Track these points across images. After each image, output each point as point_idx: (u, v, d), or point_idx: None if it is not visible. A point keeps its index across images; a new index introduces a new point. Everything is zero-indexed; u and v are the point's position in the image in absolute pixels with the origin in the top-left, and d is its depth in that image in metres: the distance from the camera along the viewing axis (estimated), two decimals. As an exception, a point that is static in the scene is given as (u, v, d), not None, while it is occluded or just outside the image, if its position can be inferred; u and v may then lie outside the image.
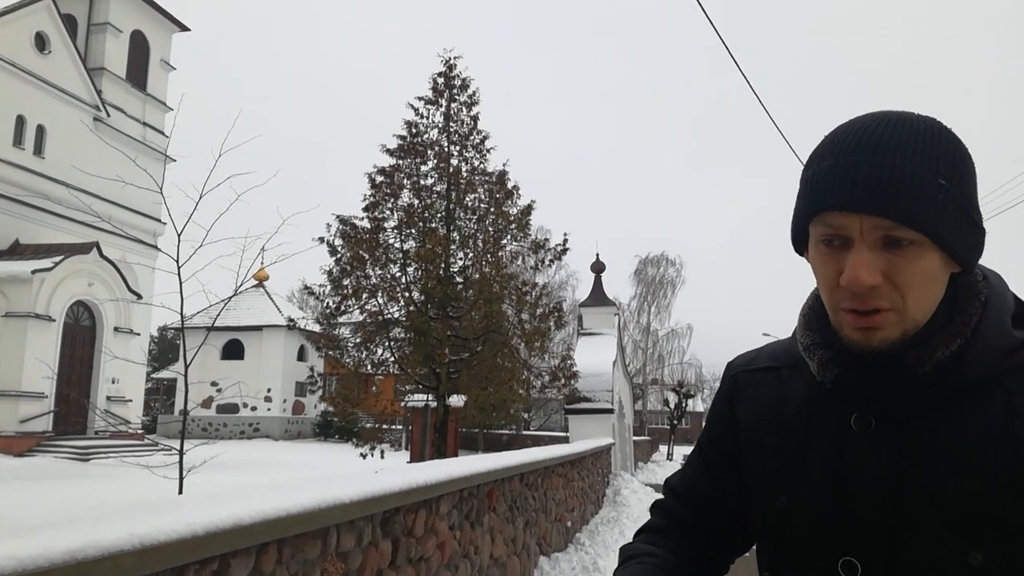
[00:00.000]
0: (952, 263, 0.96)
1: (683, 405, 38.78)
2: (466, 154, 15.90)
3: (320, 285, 15.34)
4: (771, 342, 1.27)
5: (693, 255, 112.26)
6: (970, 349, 0.96)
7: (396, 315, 15.39)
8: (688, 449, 49.62)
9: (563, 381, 16.59)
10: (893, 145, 0.92)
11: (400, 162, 15.51)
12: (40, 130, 24.95)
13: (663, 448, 39.97)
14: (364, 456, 17.82)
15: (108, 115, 27.26)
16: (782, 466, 1.10)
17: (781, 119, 11.87)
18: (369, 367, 16.27)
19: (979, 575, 0.91)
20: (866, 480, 0.99)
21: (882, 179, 0.91)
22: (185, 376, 6.85)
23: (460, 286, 15.53)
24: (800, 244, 1.06)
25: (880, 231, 0.92)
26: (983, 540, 0.91)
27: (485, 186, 15.71)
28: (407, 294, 15.12)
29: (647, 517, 1.38)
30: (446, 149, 15.73)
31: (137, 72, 29.62)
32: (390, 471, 4.16)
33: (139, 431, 26.67)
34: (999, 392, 0.95)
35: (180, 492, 6.86)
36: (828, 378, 1.04)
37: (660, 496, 1.37)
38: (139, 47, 29.82)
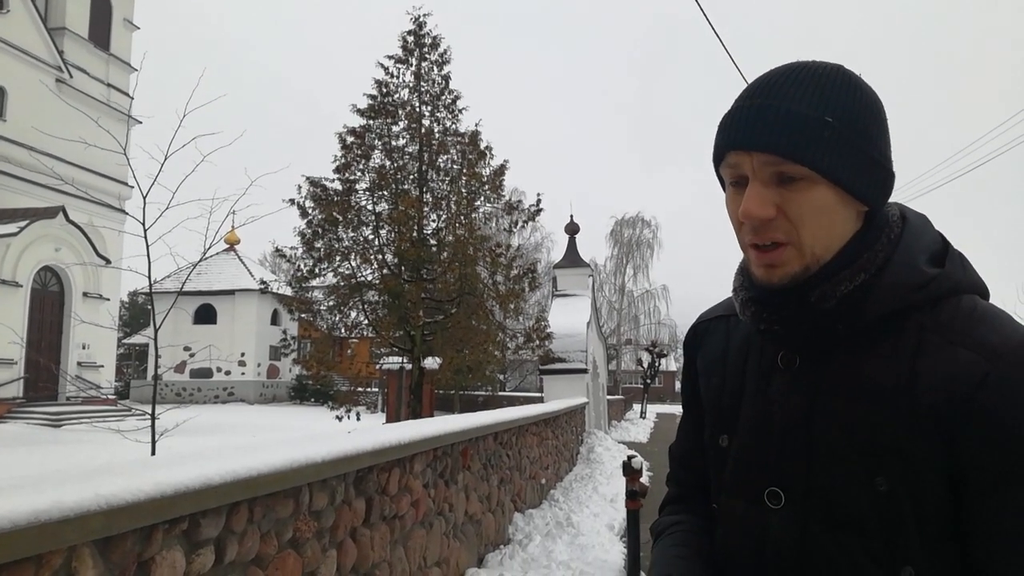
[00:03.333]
0: (853, 200, 1.01)
1: (656, 364, 39.18)
2: (438, 114, 15.72)
3: (292, 248, 15.20)
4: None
5: (669, 217, 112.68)
6: (875, 285, 1.01)
7: (369, 278, 15.30)
8: (661, 407, 50.29)
9: (537, 342, 16.67)
10: (784, 89, 0.99)
11: (371, 122, 15.30)
12: (1, 92, 24.29)
13: (636, 407, 40.40)
14: (340, 419, 17.83)
15: (71, 76, 26.57)
16: (723, 406, 1.17)
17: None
18: (343, 330, 16.23)
19: (885, 500, 0.95)
20: (785, 413, 1.05)
21: (767, 118, 0.98)
22: (155, 340, 6.78)
23: (434, 248, 15.46)
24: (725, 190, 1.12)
25: (770, 167, 0.98)
26: (888, 467, 0.95)
27: (457, 147, 15.57)
28: (380, 257, 15.03)
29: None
30: (417, 109, 15.54)
31: (100, 32, 28.83)
32: (363, 431, 4.17)
33: (111, 396, 26.48)
34: (911, 327, 0.99)
35: (153, 455, 6.83)
36: (747, 316, 1.10)
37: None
38: (101, 6, 28.98)
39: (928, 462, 0.93)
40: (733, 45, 11.33)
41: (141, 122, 28.35)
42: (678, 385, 77.13)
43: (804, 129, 0.96)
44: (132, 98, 28.40)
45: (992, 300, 1.05)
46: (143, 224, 6.84)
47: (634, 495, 5.63)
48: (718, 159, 1.06)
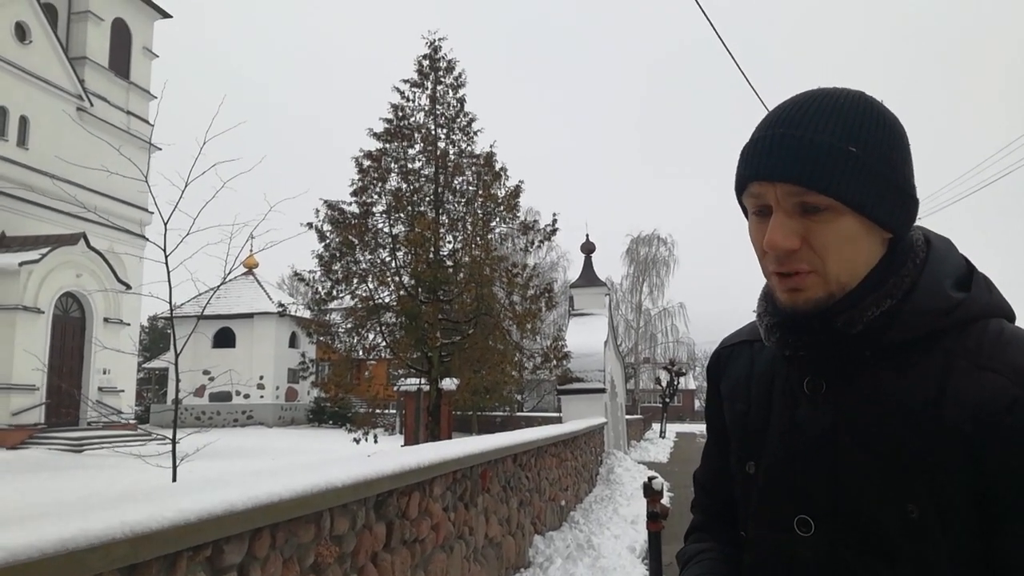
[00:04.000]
0: (877, 228, 1.01)
1: (675, 383, 38.99)
2: (453, 136, 15.83)
3: (310, 271, 15.30)
4: (754, 320, 1.31)
5: (686, 233, 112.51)
6: (901, 310, 1.01)
7: (387, 300, 15.36)
8: (680, 426, 49.93)
9: (555, 362, 16.64)
10: (807, 118, 0.99)
11: (387, 146, 15.43)
12: (23, 121, 24.70)
13: (656, 426, 40.15)
14: (358, 441, 17.87)
15: (91, 104, 27.00)
16: (749, 433, 1.16)
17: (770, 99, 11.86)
18: (361, 352, 16.26)
19: (916, 526, 0.95)
20: (812, 439, 1.05)
21: (791, 148, 0.98)
22: (176, 365, 6.83)
23: (450, 269, 15.50)
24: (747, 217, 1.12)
25: (794, 197, 0.98)
26: (917, 493, 0.95)
27: (473, 168, 15.65)
28: (397, 278, 15.09)
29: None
30: (433, 132, 15.65)
31: (119, 60, 29.31)
32: (383, 455, 4.18)
33: (132, 421, 26.63)
34: (938, 351, 0.99)
35: (174, 481, 6.86)
36: (772, 341, 1.10)
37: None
38: (121, 35, 29.48)
39: (957, 487, 0.93)
40: (745, 61, 11.35)
41: (161, 149, 28.70)
42: (697, 404, 76.66)
43: (828, 159, 0.96)
44: (152, 125, 28.79)
45: (1019, 323, 1.05)
46: (164, 250, 6.91)
47: (655, 517, 5.58)
48: (740, 188, 1.06)
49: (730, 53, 10.08)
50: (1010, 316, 1.04)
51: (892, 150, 1.00)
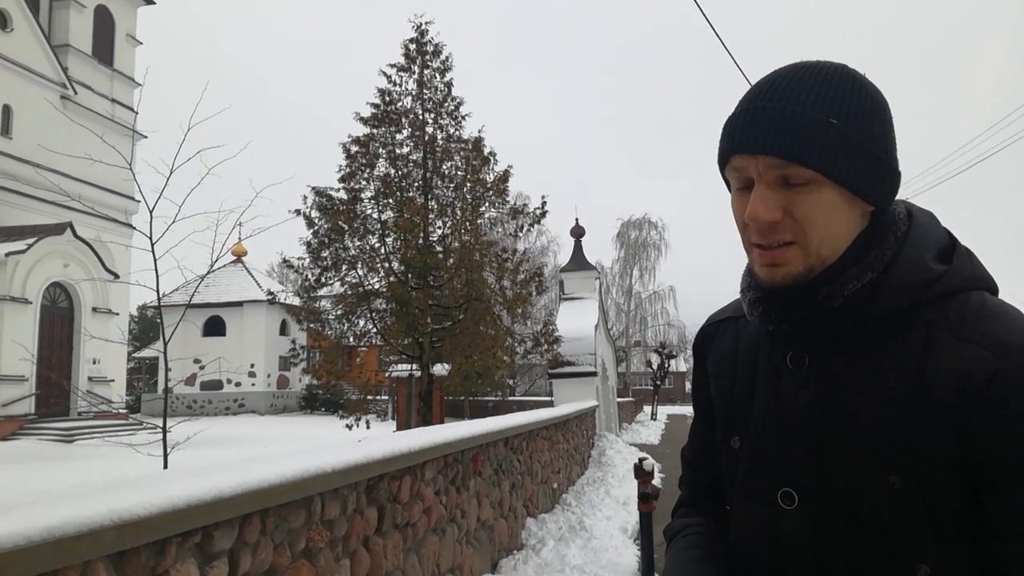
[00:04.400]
0: (859, 200, 1.01)
1: (665, 366, 39.14)
2: (441, 121, 15.75)
3: (299, 258, 15.23)
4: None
5: (676, 217, 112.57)
6: (884, 282, 1.01)
7: (376, 286, 15.32)
8: (671, 408, 50.19)
9: (546, 346, 16.66)
10: (788, 91, 0.99)
11: (375, 131, 15.33)
12: (6, 110, 24.45)
13: (647, 408, 40.34)
14: (350, 427, 17.84)
15: (75, 92, 26.73)
16: (734, 408, 1.17)
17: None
18: (351, 339, 16.24)
19: (899, 498, 0.95)
20: (795, 413, 1.05)
21: (771, 120, 0.97)
22: (164, 354, 6.80)
23: (440, 255, 15.47)
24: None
25: (775, 170, 0.98)
26: (900, 465, 0.95)
27: (461, 153, 15.58)
28: (387, 264, 15.05)
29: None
30: (420, 117, 15.56)
31: (103, 48, 29.00)
32: (373, 439, 4.18)
33: (122, 411, 26.57)
34: (920, 323, 0.99)
35: (165, 469, 6.86)
36: (754, 316, 1.10)
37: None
38: (104, 22, 29.16)
39: (940, 458, 0.94)
40: (733, 43, 11.35)
41: (146, 136, 28.53)
42: (688, 386, 77.05)
43: (808, 131, 0.96)
44: (137, 113, 28.56)
45: (1001, 295, 1.05)
46: (150, 238, 6.86)
47: (646, 497, 5.62)
48: (723, 162, 1.06)
49: (719, 38, 10.04)
50: (992, 288, 1.04)
51: (874, 123, 1.00)
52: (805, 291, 1.02)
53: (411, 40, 15.72)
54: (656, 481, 6.62)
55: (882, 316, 1.00)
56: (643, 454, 6.47)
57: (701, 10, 9.20)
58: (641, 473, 5.69)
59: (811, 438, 1.03)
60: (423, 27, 15.72)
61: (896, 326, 1.00)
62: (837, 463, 1.00)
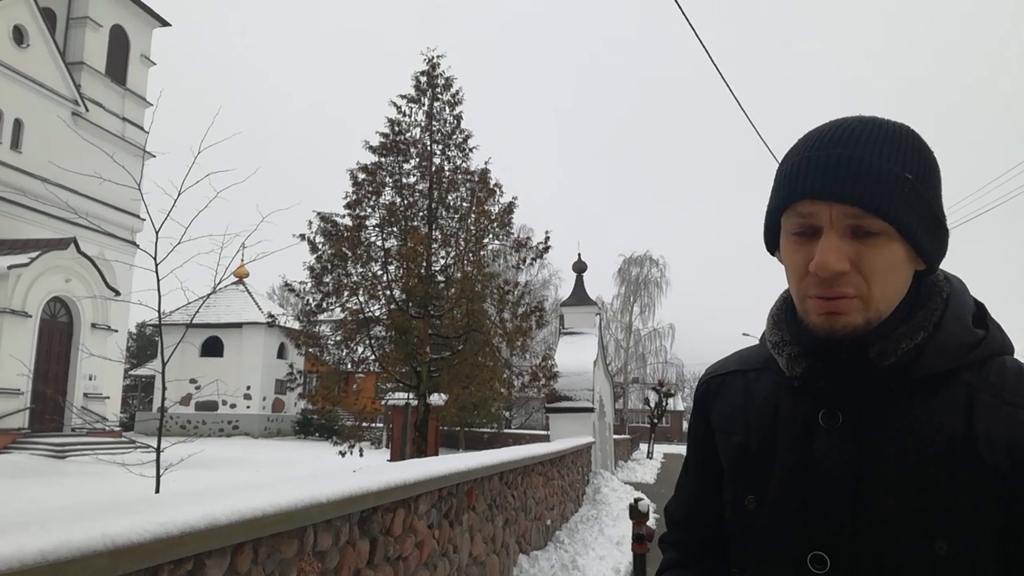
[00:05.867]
0: (916, 259, 1.01)
1: (663, 404, 38.93)
2: (448, 153, 15.90)
3: (301, 282, 15.29)
4: (742, 348, 1.30)
5: (677, 257, 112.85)
6: (932, 343, 1.00)
7: (377, 313, 15.34)
8: (668, 447, 49.64)
9: (544, 381, 16.61)
10: (863, 140, 0.97)
11: (383, 160, 15.47)
12: (18, 124, 24.64)
13: (643, 446, 40.08)
14: (343, 454, 17.76)
15: (87, 110, 26.96)
16: (748, 465, 1.13)
17: (765, 129, 11.95)
18: (349, 365, 16.23)
19: (945, 564, 0.93)
20: (832, 473, 1.02)
21: (851, 169, 0.95)
22: (162, 374, 6.79)
23: (442, 285, 15.52)
24: (771, 242, 1.10)
25: (849, 219, 0.96)
26: (947, 529, 0.93)
27: (467, 185, 15.70)
28: (388, 292, 15.08)
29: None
30: (428, 147, 15.71)
31: (116, 67, 29.30)
32: (368, 470, 4.16)
33: (116, 428, 26.41)
34: (960, 386, 0.99)
35: (157, 491, 6.81)
36: (797, 372, 1.07)
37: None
38: (119, 41, 29.49)
39: (988, 524, 0.93)
40: (736, 83, 11.45)
41: (155, 156, 28.69)
42: (686, 425, 76.55)
43: (887, 184, 0.95)
44: (147, 132, 28.67)
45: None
46: (155, 258, 6.89)
47: (641, 539, 5.57)
48: (784, 206, 1.03)
49: (726, 83, 10.16)
50: (1013, 353, 1.05)
51: (937, 184, 1.01)
52: (858, 347, 1.01)
53: (422, 72, 15.91)
54: (651, 522, 6.57)
55: (926, 376, 1.00)
56: (639, 494, 6.44)
57: (710, 57, 9.31)
58: (636, 514, 5.65)
59: (846, 499, 1.00)
60: (435, 61, 15.92)
61: (937, 387, 1.00)
62: (876, 526, 0.98)
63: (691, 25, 8.89)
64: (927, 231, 0.98)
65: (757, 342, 1.24)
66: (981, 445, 0.94)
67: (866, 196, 0.94)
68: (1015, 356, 1.04)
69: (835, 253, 0.96)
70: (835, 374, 1.03)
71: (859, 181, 0.95)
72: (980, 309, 1.07)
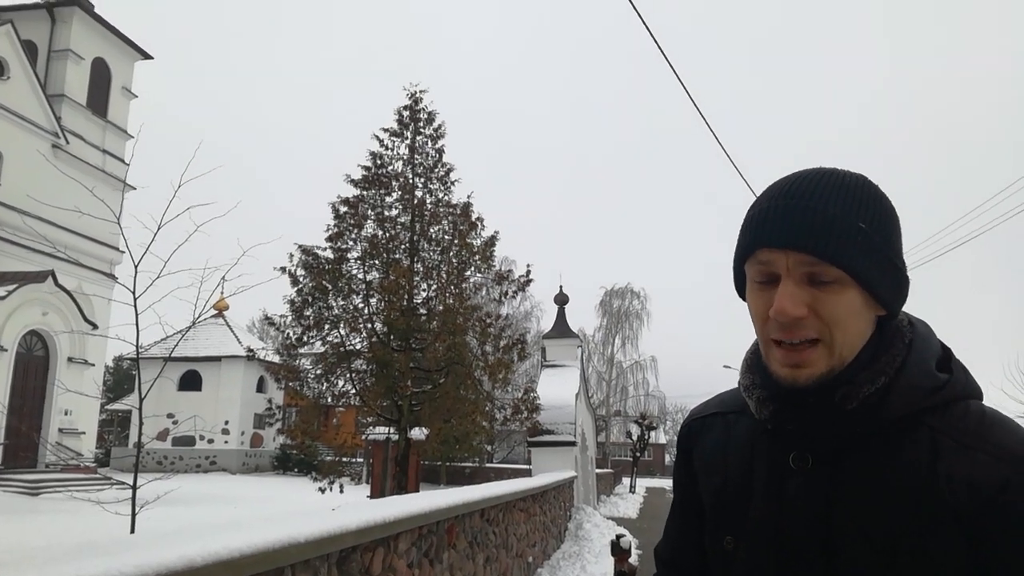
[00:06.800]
0: (876, 304, 1.04)
1: (646, 437, 38.81)
2: (431, 186, 15.94)
3: (281, 315, 15.18)
4: (724, 391, 1.32)
5: (659, 290, 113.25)
6: (894, 387, 1.03)
7: (358, 346, 15.25)
8: (650, 481, 49.39)
9: (526, 414, 16.53)
10: (818, 191, 1.01)
11: (365, 193, 15.48)
12: (-4, 157, 24.51)
13: (626, 480, 39.91)
14: (323, 490, 17.52)
15: (67, 142, 26.86)
16: (727, 507, 1.15)
17: (747, 167, 12.11)
18: (330, 399, 16.09)
19: None
20: (801, 517, 1.04)
21: (805, 219, 0.99)
22: (140, 411, 6.71)
23: (423, 318, 15.46)
24: (740, 288, 1.13)
25: (804, 267, 1.00)
26: (912, 571, 0.95)
27: (449, 218, 15.73)
28: (369, 325, 15.01)
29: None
30: (411, 181, 15.75)
31: (98, 99, 29.27)
32: (348, 508, 4.11)
33: (91, 465, 25.96)
34: (924, 430, 1.01)
35: (132, 530, 6.69)
36: (764, 415, 1.10)
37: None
38: (100, 74, 29.49)
39: (952, 566, 0.94)
40: (708, 109, 11.63)
41: (135, 188, 28.59)
42: (668, 458, 76.33)
43: (840, 233, 0.99)
44: (128, 165, 28.68)
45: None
46: (133, 292, 6.85)
47: None
48: (745, 255, 1.07)
49: (700, 112, 10.32)
50: (981, 398, 1.08)
51: (892, 231, 1.04)
52: (822, 392, 1.03)
53: (404, 107, 16.01)
54: (633, 559, 6.52)
55: (889, 420, 1.02)
56: (621, 530, 6.41)
57: (689, 95, 9.46)
58: (619, 550, 5.61)
59: (817, 541, 1.02)
60: (417, 95, 16.04)
61: (901, 431, 1.02)
62: (844, 568, 1.00)
63: (678, 77, 9.05)
64: (883, 277, 1.02)
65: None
66: (944, 488, 0.96)
67: (820, 245, 0.98)
68: (980, 400, 1.07)
69: (791, 299, 1.00)
70: (800, 418, 1.06)
71: (812, 230, 0.99)
72: (946, 353, 1.09)
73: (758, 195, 1.10)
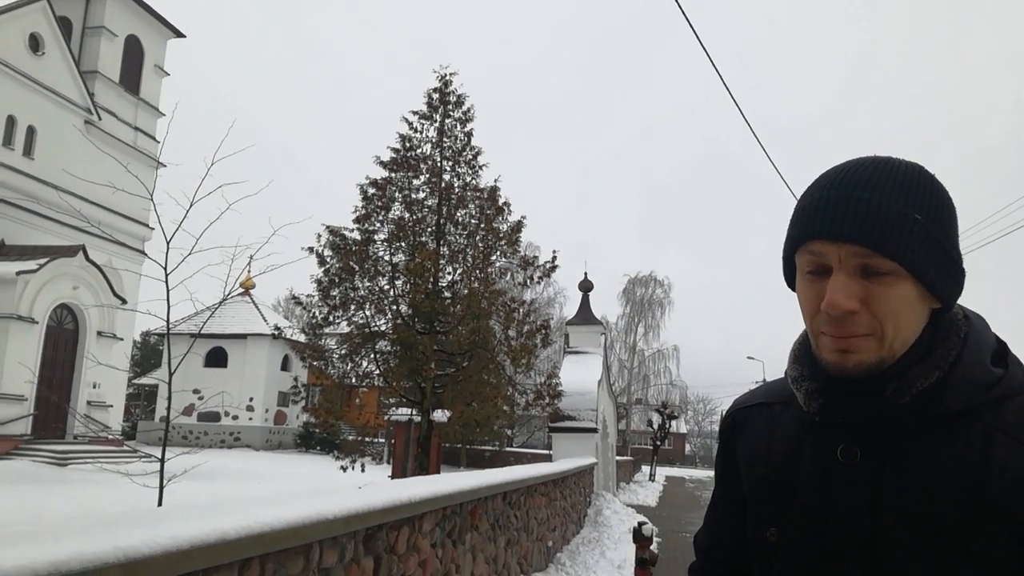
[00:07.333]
0: (930, 297, 1.01)
1: (666, 426, 38.77)
2: (459, 169, 15.92)
3: (308, 295, 15.28)
4: (768, 381, 1.31)
5: (682, 279, 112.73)
6: (948, 382, 1.01)
7: (383, 328, 15.33)
8: (670, 470, 49.32)
9: (547, 399, 16.55)
10: (872, 182, 0.99)
11: (393, 175, 15.51)
12: (31, 131, 24.83)
13: (645, 468, 39.89)
14: (344, 469, 17.70)
15: (100, 118, 27.16)
16: (772, 498, 1.14)
17: (781, 161, 11.98)
18: (353, 379, 16.20)
19: None
20: (848, 509, 1.03)
21: (859, 210, 0.97)
22: (169, 385, 6.80)
23: (448, 301, 15.50)
24: (790, 278, 1.11)
25: (857, 259, 0.98)
26: (959, 566, 0.94)
27: (476, 202, 15.72)
28: (395, 307, 15.09)
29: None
30: (439, 164, 15.75)
31: (130, 76, 29.55)
32: (374, 487, 4.15)
33: (119, 437, 26.40)
34: (978, 425, 0.99)
35: (160, 502, 6.80)
36: (813, 408, 1.08)
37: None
38: (133, 52, 29.76)
39: (1000, 562, 0.94)
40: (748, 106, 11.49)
41: (166, 166, 28.84)
42: (688, 448, 76.15)
43: (895, 224, 0.97)
44: (160, 143, 28.92)
45: None
46: (165, 268, 6.92)
47: (644, 563, 5.54)
48: (796, 246, 1.05)
49: (743, 114, 10.20)
50: None
51: (950, 223, 1.02)
52: (873, 385, 1.02)
53: (435, 90, 15.99)
54: (654, 547, 6.53)
55: (942, 416, 1.01)
56: (642, 517, 6.41)
57: (725, 84, 9.36)
58: (640, 538, 5.62)
59: (863, 534, 1.02)
60: (447, 78, 16.01)
61: (954, 427, 1.00)
62: (890, 561, 0.99)
63: (713, 64, 8.95)
64: (939, 270, 0.99)
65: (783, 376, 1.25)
66: (996, 485, 0.95)
67: (873, 236, 0.96)
68: None
69: (844, 292, 0.98)
70: (851, 411, 1.04)
71: (866, 222, 0.97)
72: (1001, 347, 1.07)
73: (810, 185, 1.07)
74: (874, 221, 0.96)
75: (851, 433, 1.06)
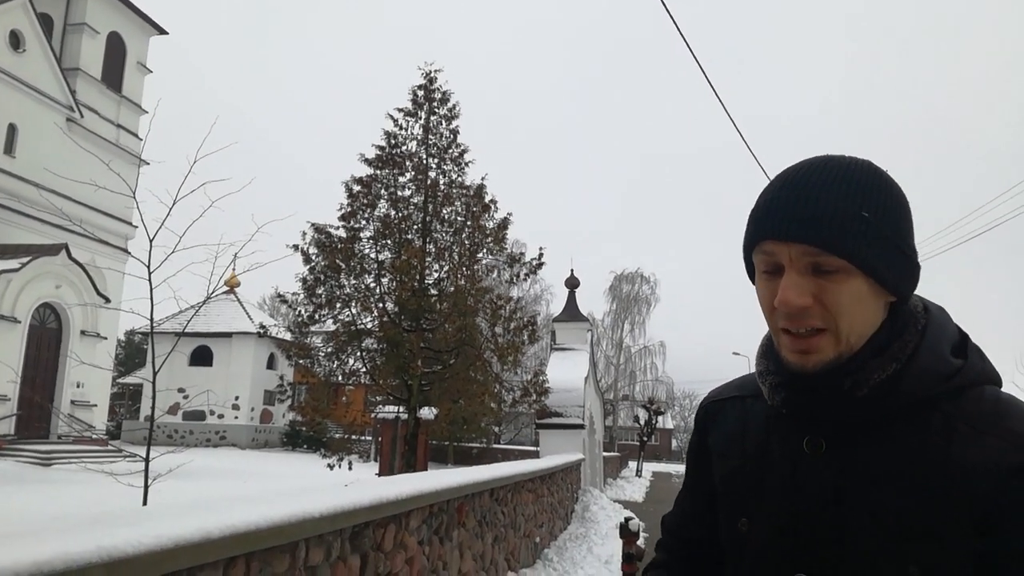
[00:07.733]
0: (883, 291, 1.04)
1: (653, 422, 38.87)
2: (444, 167, 15.91)
3: (293, 293, 15.23)
4: (742, 375, 1.34)
5: (668, 276, 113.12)
6: (906, 374, 1.03)
7: (369, 326, 15.31)
8: (657, 465, 49.43)
9: (534, 396, 16.58)
10: (820, 182, 1.02)
11: (378, 172, 15.47)
12: (12, 129, 24.58)
13: (632, 464, 39.99)
14: (331, 467, 17.67)
15: (82, 116, 26.92)
16: (742, 490, 1.17)
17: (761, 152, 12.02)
18: (340, 377, 16.16)
19: None
20: (814, 499, 1.06)
21: (806, 210, 1.00)
22: (153, 384, 6.75)
23: (434, 298, 15.49)
24: (751, 275, 1.14)
25: (808, 258, 1.01)
26: (920, 555, 0.96)
27: (462, 199, 15.71)
28: (381, 305, 15.06)
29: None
30: (424, 161, 15.73)
31: (113, 74, 29.30)
32: (361, 485, 4.14)
33: (103, 437, 26.21)
34: (938, 415, 1.02)
35: (145, 502, 6.76)
36: (777, 401, 1.11)
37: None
38: (116, 48, 29.51)
39: (960, 549, 0.95)
40: (732, 105, 11.54)
41: (149, 164, 28.68)
42: (675, 443, 76.47)
43: (842, 223, 0.99)
44: (142, 140, 28.72)
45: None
46: (148, 267, 6.88)
47: (631, 558, 5.56)
48: (751, 246, 1.08)
49: (726, 112, 10.24)
50: (999, 383, 1.08)
51: (900, 218, 1.04)
52: (831, 379, 1.04)
53: (419, 87, 15.96)
54: (641, 542, 6.55)
55: (902, 406, 1.03)
56: (628, 512, 6.43)
57: (711, 84, 9.39)
58: (627, 533, 5.63)
59: (828, 524, 1.04)
60: (432, 75, 15.98)
61: (914, 416, 1.03)
62: (855, 550, 1.01)
63: (701, 68, 8.98)
64: (889, 265, 1.01)
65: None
66: (955, 472, 0.97)
67: (821, 235, 0.99)
68: (998, 386, 1.07)
69: (795, 290, 1.01)
70: (812, 405, 1.07)
71: (814, 221, 0.99)
72: (962, 338, 1.10)
73: (765, 186, 1.10)
74: (822, 220, 0.99)
75: (816, 425, 1.08)
